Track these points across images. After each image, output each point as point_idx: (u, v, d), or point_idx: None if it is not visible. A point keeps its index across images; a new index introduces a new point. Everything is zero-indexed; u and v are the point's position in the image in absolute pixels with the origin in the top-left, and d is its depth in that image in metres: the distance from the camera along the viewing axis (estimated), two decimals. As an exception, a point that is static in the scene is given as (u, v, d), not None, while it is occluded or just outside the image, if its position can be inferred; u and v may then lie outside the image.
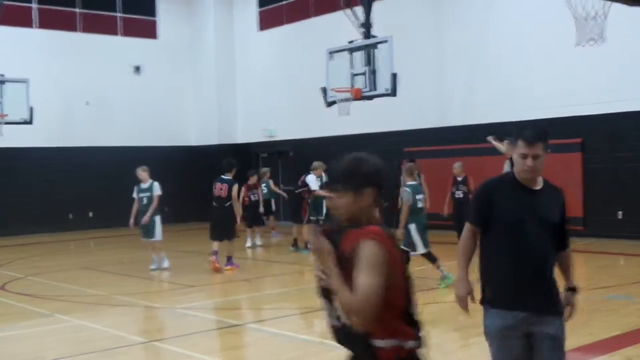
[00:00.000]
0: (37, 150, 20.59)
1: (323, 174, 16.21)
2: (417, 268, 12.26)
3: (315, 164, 14.75)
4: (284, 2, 21.94)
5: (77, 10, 21.86)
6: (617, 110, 14.37)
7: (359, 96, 14.41)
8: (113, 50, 22.27)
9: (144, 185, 12.50)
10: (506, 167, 13.20)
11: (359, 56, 14.55)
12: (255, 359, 7.04)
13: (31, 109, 17.49)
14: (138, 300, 9.84)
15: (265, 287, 11.44)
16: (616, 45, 13.23)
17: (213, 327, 8.39)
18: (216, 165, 21.91)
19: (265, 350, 7.13)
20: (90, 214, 21.75)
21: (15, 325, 8.68)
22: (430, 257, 9.95)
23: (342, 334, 2.68)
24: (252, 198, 16.07)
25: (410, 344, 2.67)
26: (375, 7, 15.64)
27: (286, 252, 14.88)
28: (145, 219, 12.25)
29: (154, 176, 12.67)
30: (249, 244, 15.85)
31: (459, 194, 14.25)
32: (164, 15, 23.63)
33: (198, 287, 11.01)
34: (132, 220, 12.55)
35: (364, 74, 14.37)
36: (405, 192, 9.86)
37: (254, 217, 15.94)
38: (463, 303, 4.03)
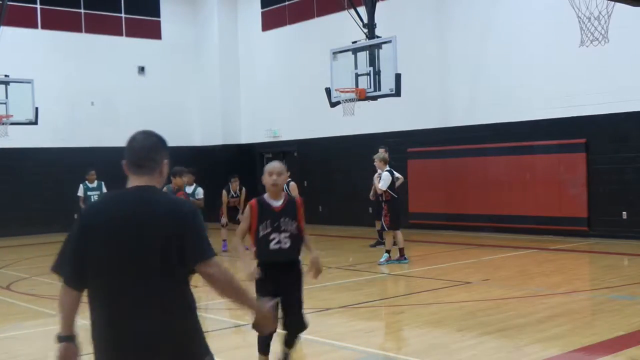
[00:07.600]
0: (42, 150, 20.64)
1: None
2: (420, 269, 12.30)
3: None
4: (287, 3, 21.94)
5: (81, 11, 21.92)
6: (621, 111, 14.36)
7: (363, 96, 14.44)
8: (117, 50, 22.32)
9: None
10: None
11: (363, 56, 14.58)
12: (260, 359, 7.03)
13: (36, 110, 17.58)
14: (143, 300, 9.85)
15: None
16: (620, 45, 13.23)
17: (217, 327, 8.40)
18: (220, 165, 22.01)
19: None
20: (95, 214, 21.84)
21: (20, 325, 8.72)
22: None
23: None
24: None
25: None
26: (378, 7, 15.67)
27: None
28: None
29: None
30: None
31: None
32: (168, 16, 23.66)
33: (202, 288, 11.01)
34: None
35: (368, 74, 14.39)
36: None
37: None
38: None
